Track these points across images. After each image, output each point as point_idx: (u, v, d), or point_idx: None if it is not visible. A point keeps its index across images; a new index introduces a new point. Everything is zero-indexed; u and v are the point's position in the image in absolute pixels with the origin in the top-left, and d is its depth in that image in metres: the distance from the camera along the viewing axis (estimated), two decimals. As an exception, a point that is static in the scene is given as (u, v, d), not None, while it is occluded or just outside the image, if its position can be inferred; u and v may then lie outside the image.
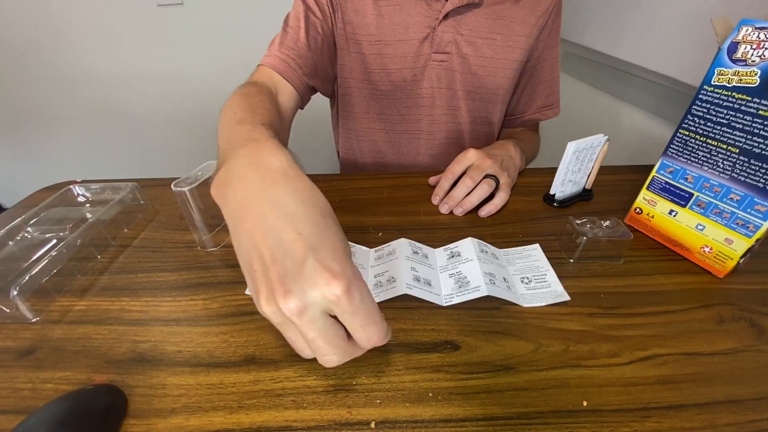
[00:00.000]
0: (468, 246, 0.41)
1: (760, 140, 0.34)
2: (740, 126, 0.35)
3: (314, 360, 0.31)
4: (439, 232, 0.47)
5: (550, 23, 0.61)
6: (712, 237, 0.39)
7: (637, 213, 0.46)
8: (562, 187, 0.50)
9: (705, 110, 0.38)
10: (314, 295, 0.22)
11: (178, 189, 0.39)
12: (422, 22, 0.57)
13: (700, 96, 0.38)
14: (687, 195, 0.41)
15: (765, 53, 0.33)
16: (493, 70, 0.61)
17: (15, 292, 0.34)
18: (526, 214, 0.50)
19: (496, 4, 0.58)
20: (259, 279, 0.23)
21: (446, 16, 0.57)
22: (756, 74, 0.33)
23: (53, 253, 0.38)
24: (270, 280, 0.22)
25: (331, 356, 0.24)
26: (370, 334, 0.23)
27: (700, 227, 0.40)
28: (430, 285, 0.37)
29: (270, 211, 0.24)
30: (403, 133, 0.68)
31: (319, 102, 0.68)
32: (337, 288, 0.21)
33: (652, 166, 0.44)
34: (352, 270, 0.23)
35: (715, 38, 0.36)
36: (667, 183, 0.43)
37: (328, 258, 0.22)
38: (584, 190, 0.53)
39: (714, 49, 0.36)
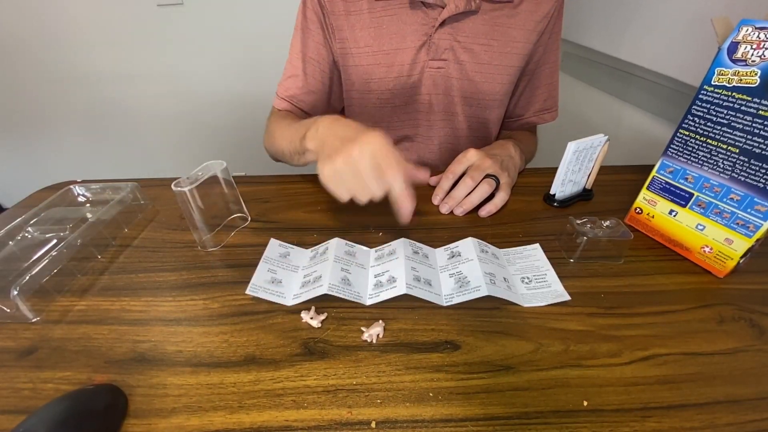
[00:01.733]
0: (468, 246, 0.41)
1: (760, 140, 0.34)
2: (740, 126, 0.35)
3: (314, 360, 0.31)
4: (439, 232, 0.47)
5: (550, 27, 0.61)
6: (712, 237, 0.39)
7: (637, 213, 0.47)
8: (562, 187, 0.50)
9: (705, 110, 0.38)
10: (363, 139, 0.36)
11: (179, 189, 0.39)
12: (419, 29, 0.58)
13: (701, 96, 0.38)
14: (687, 195, 0.41)
15: (765, 53, 0.33)
16: (490, 76, 0.61)
17: (15, 292, 0.34)
18: (526, 214, 0.50)
19: (493, 11, 0.58)
20: (330, 149, 0.38)
21: (443, 23, 0.57)
22: (756, 74, 0.33)
23: (53, 253, 0.38)
24: (339, 144, 0.38)
25: (391, 169, 0.36)
26: (390, 164, 0.36)
27: (700, 227, 0.40)
28: (430, 285, 0.37)
29: (341, 123, 0.42)
30: (401, 138, 0.69)
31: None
32: (374, 134, 0.37)
33: (652, 166, 0.44)
34: (382, 133, 0.37)
35: (715, 38, 0.36)
36: (667, 183, 0.43)
37: (370, 130, 0.38)
38: (584, 190, 0.53)
39: (714, 49, 0.36)
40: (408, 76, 0.61)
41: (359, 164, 0.36)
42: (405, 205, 0.38)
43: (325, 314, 0.35)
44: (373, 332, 0.33)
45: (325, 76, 0.63)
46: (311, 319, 0.35)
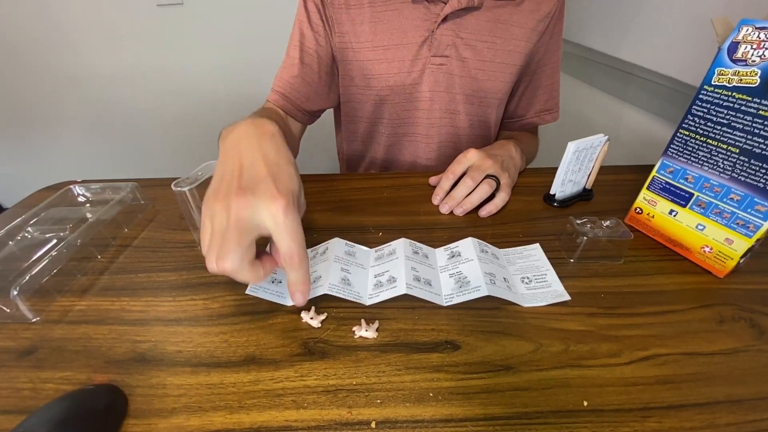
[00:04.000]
0: (468, 246, 0.41)
1: (760, 140, 0.34)
2: (740, 126, 0.35)
3: (314, 360, 0.31)
4: (439, 232, 0.47)
5: (551, 27, 0.61)
6: (712, 237, 0.39)
7: (638, 213, 0.46)
8: (562, 186, 0.50)
9: (705, 110, 0.38)
10: (259, 203, 0.28)
11: (178, 189, 0.39)
12: (421, 25, 0.57)
13: (701, 96, 0.38)
14: (687, 195, 0.41)
15: (765, 53, 0.33)
16: (492, 74, 0.61)
17: (15, 292, 0.34)
18: (527, 214, 0.50)
19: (496, 8, 0.58)
20: (223, 185, 0.30)
21: (445, 19, 0.56)
22: (756, 74, 0.33)
23: (53, 253, 0.38)
24: (232, 187, 0.29)
25: (232, 256, 0.28)
26: (292, 249, 0.29)
27: (700, 227, 0.40)
28: (430, 285, 0.37)
29: (255, 149, 0.32)
30: (402, 135, 0.68)
31: (319, 102, 0.68)
32: (279, 204, 0.28)
33: (652, 166, 0.44)
34: (294, 204, 0.30)
35: (716, 38, 0.36)
36: (667, 183, 0.43)
37: (280, 185, 0.29)
38: (584, 190, 0.53)
39: (714, 49, 0.36)
40: (409, 73, 0.60)
41: (230, 229, 0.28)
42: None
43: (325, 314, 0.35)
44: (366, 334, 0.33)
45: (322, 68, 0.62)
46: (311, 319, 0.35)
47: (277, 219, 0.28)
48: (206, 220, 0.30)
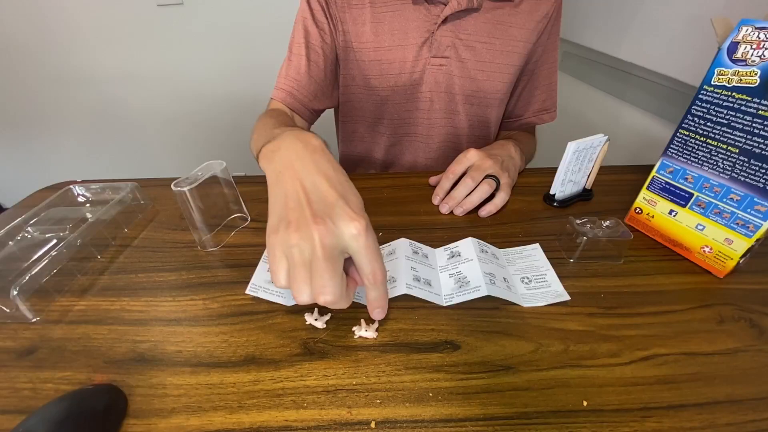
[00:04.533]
0: (468, 246, 0.41)
1: (760, 140, 0.34)
2: (740, 126, 0.35)
3: (314, 360, 0.31)
4: (439, 232, 0.47)
5: (549, 27, 0.61)
6: (712, 237, 0.39)
7: (637, 213, 0.46)
8: (562, 187, 0.50)
9: (705, 110, 0.38)
10: (340, 227, 0.27)
11: (178, 189, 0.39)
12: (421, 26, 0.57)
13: (700, 96, 0.38)
14: (687, 195, 0.41)
15: (765, 53, 0.33)
16: (492, 75, 0.61)
17: (15, 292, 0.34)
18: (526, 214, 0.50)
19: (495, 9, 0.58)
20: (292, 213, 0.28)
21: (445, 21, 0.57)
22: (756, 74, 0.33)
23: (53, 253, 0.38)
24: (304, 214, 0.28)
25: (332, 287, 0.27)
26: (376, 269, 0.29)
27: (700, 227, 0.40)
28: (430, 285, 0.37)
29: (311, 168, 0.30)
30: (402, 136, 0.68)
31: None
32: (359, 225, 0.27)
33: (652, 166, 0.44)
34: (369, 223, 0.28)
35: (715, 38, 0.36)
36: (667, 183, 0.43)
37: (353, 205, 0.29)
38: (584, 190, 0.53)
39: (714, 49, 0.36)
40: (409, 74, 0.60)
41: (319, 261, 0.27)
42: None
43: (329, 315, 0.35)
44: (366, 334, 0.33)
45: (327, 66, 0.61)
46: (315, 320, 0.34)
47: (360, 242, 0.27)
48: (278, 251, 0.28)
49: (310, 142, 0.33)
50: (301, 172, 0.30)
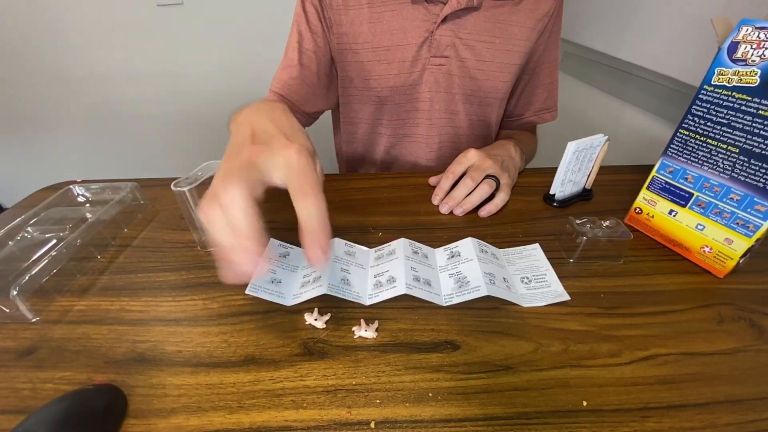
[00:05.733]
0: (468, 246, 0.41)
1: (760, 140, 0.34)
2: (740, 126, 0.35)
3: (314, 360, 0.31)
4: (439, 232, 0.47)
5: (549, 26, 0.61)
6: (712, 237, 0.39)
7: (637, 213, 0.46)
8: (562, 187, 0.50)
9: (705, 110, 0.38)
10: (273, 148, 0.27)
11: (178, 189, 0.39)
12: (420, 26, 0.57)
13: (700, 96, 0.38)
14: (687, 195, 0.41)
15: (765, 53, 0.33)
16: (492, 74, 0.61)
17: (15, 292, 0.34)
18: (526, 214, 0.50)
19: (495, 7, 0.58)
20: (236, 146, 0.29)
21: (444, 20, 0.56)
22: (756, 74, 0.33)
23: (53, 253, 0.38)
24: (246, 144, 0.28)
25: (234, 183, 0.25)
26: (304, 184, 0.27)
27: (700, 227, 0.40)
28: (430, 285, 0.37)
29: (266, 118, 0.31)
30: (402, 136, 0.68)
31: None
32: (292, 149, 0.27)
33: (652, 166, 0.44)
34: (309, 153, 0.28)
35: (716, 38, 0.36)
36: (667, 183, 0.43)
37: (293, 139, 0.28)
38: (584, 190, 0.53)
39: (714, 49, 0.36)
40: (409, 74, 0.60)
41: (241, 164, 0.26)
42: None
43: (329, 314, 0.35)
44: (365, 334, 0.33)
45: (321, 70, 0.62)
46: (315, 320, 0.34)
47: (291, 161, 0.26)
48: (215, 180, 0.27)
49: (272, 103, 0.34)
50: (255, 121, 0.31)
